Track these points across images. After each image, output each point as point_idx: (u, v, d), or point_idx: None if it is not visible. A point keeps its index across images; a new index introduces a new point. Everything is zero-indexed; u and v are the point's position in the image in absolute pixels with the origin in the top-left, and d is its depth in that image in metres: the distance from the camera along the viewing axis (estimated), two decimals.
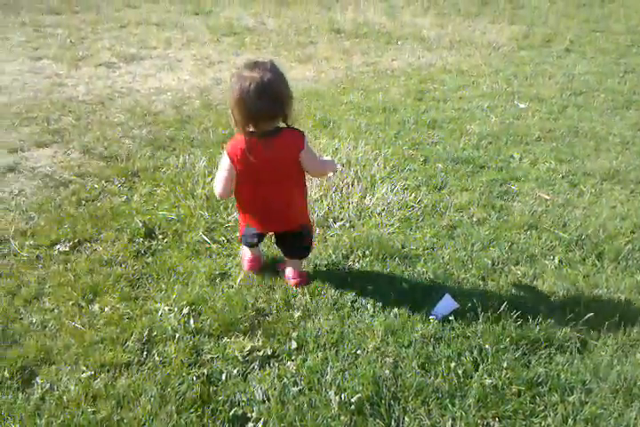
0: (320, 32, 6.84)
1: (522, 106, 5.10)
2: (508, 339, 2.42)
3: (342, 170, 3.86)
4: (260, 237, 2.84)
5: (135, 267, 2.88)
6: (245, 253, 2.93)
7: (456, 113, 4.94)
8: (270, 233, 2.93)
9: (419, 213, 3.42)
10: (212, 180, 3.60)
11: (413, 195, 3.60)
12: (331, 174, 2.98)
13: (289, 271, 2.83)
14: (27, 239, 3.06)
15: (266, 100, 2.23)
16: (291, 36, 6.66)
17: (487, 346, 2.38)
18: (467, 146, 4.30)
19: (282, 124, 2.39)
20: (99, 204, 3.43)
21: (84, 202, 3.44)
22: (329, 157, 3.49)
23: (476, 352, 2.35)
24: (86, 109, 4.71)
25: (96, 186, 3.62)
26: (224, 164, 2.44)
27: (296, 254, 2.83)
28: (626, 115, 4.94)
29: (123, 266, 2.88)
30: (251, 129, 2.35)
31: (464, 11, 7.89)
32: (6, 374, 2.23)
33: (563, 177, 3.86)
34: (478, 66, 6.08)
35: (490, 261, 2.97)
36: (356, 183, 3.73)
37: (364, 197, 3.58)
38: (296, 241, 2.76)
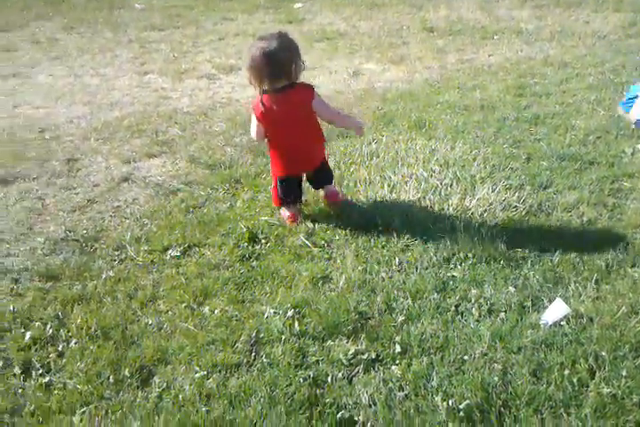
0: (412, 32, 6.79)
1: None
2: (627, 346, 2.29)
3: (440, 170, 3.80)
4: (295, 192, 3.40)
5: (241, 271, 2.97)
6: (285, 213, 3.42)
7: (560, 108, 4.73)
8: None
9: (523, 214, 3.31)
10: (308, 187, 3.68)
11: (517, 195, 3.49)
12: (355, 128, 3.39)
13: (330, 194, 3.49)
14: (141, 245, 3.25)
15: (270, 65, 2.87)
16: (383, 38, 6.65)
17: (604, 353, 2.26)
18: (573, 142, 4.11)
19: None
20: (205, 210, 3.58)
21: (192, 209, 3.60)
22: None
23: (591, 359, 2.24)
24: (190, 120, 4.93)
25: (202, 193, 3.78)
26: (252, 118, 3.15)
27: (327, 181, 3.52)
28: None
29: (230, 269, 2.99)
30: (265, 87, 2.98)
31: (564, 1, 7.56)
32: (127, 373, 2.38)
33: None
34: (582, 57, 5.80)
35: (604, 263, 2.82)
36: (455, 184, 3.67)
37: (464, 198, 3.51)
38: (323, 173, 3.47)
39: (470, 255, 2.96)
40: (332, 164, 3.85)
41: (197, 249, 3.19)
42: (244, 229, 3.28)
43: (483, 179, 3.71)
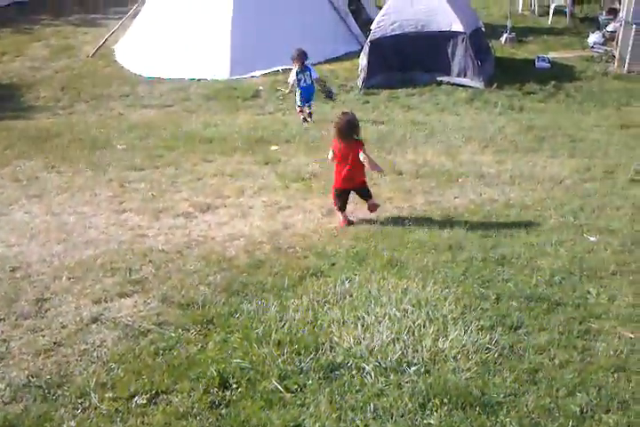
0: (382, 174, 7.18)
1: (592, 239, 5.05)
2: None
3: (413, 310, 3.84)
4: (345, 199, 5.57)
5: (209, 420, 2.86)
6: (340, 216, 5.58)
7: (524, 248, 4.92)
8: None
9: (496, 356, 3.32)
10: (284, 325, 3.68)
11: (489, 336, 3.51)
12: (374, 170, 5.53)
13: (369, 205, 5.65)
14: (106, 392, 3.13)
15: (347, 128, 5.31)
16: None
17: None
18: (540, 283, 4.23)
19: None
20: (175, 353, 3.51)
21: (161, 351, 3.53)
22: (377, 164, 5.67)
23: None
24: (165, 258, 4.99)
25: (173, 334, 3.73)
26: (330, 151, 5.58)
27: (365, 196, 5.65)
28: None
29: (198, 418, 2.88)
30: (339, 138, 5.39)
31: (522, 147, 8.15)
32: None
33: None
34: (542, 200, 6.15)
35: (578, 409, 2.80)
36: (427, 324, 3.69)
37: (438, 340, 3.52)
38: (363, 191, 5.63)
39: (446, 401, 2.91)
40: (305, 302, 3.90)
41: (165, 396, 3.08)
42: (215, 374, 3.20)
43: (455, 319, 3.75)
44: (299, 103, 9.44)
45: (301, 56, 8.96)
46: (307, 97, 9.35)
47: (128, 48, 13.35)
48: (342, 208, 5.53)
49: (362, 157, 5.30)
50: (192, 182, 7.03)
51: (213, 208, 6.21)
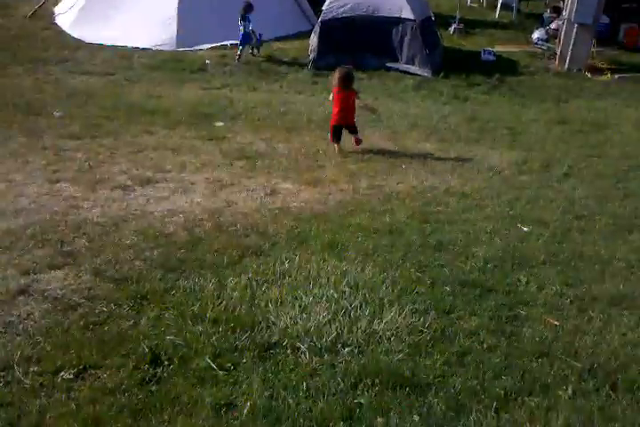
0: (328, 157, 7.18)
1: (525, 229, 5.21)
2: None
3: (350, 292, 3.88)
4: (339, 133, 7.12)
5: (139, 396, 2.81)
6: (336, 147, 7.12)
7: (461, 235, 5.04)
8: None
9: (428, 339, 3.39)
10: (220, 303, 3.65)
11: (422, 319, 3.59)
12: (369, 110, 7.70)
13: (354, 138, 7.19)
14: (31, 365, 3.02)
15: (347, 78, 7.05)
16: (299, 160, 6.98)
17: None
18: (473, 269, 4.35)
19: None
20: (106, 328, 3.42)
21: (91, 326, 3.43)
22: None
23: None
24: (100, 231, 4.84)
25: (104, 309, 3.63)
26: (331, 94, 7.31)
27: (353, 132, 7.19)
28: (628, 238, 5.03)
29: (126, 395, 2.82)
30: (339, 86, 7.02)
31: (464, 137, 8.31)
32: None
33: (571, 302, 3.86)
34: (481, 189, 6.30)
35: (502, 391, 2.90)
36: (364, 306, 3.74)
37: (373, 322, 3.56)
38: (352, 128, 7.17)
39: (377, 381, 2.96)
40: (243, 281, 3.89)
41: (93, 371, 3.00)
42: (147, 350, 3.14)
43: (390, 302, 3.81)
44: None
45: (246, 8, 11.13)
46: (242, 41, 11.32)
47: (69, 11, 12.74)
48: (337, 141, 7.15)
49: (358, 101, 7.22)
50: (131, 155, 6.82)
51: (153, 182, 6.05)
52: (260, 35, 11.51)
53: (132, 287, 3.90)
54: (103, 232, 4.83)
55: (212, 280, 4.00)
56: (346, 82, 7.06)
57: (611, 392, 2.88)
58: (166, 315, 3.57)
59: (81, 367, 3.02)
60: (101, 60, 11.22)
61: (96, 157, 6.72)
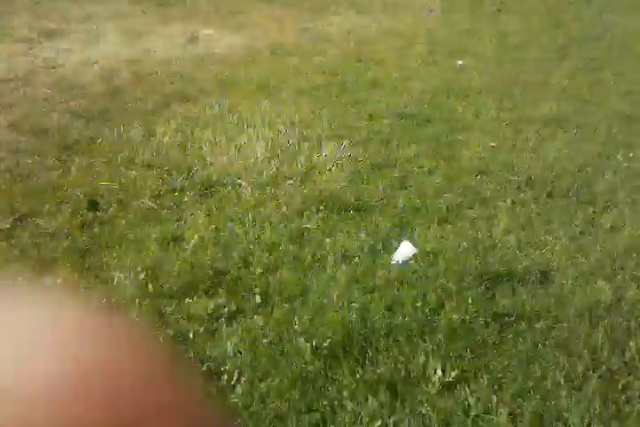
0: (249, 1, 6.69)
1: (460, 62, 5.12)
2: (470, 276, 2.42)
3: (287, 130, 3.79)
4: None
5: (83, 239, 2.73)
6: None
7: (396, 72, 4.91)
8: None
9: (369, 167, 3.39)
10: (151, 148, 3.49)
11: (362, 150, 3.56)
12: None
13: None
14: None
15: None
16: (220, 5, 6.48)
17: (450, 284, 2.37)
18: (410, 102, 4.28)
19: None
20: (35, 179, 3.23)
21: (19, 178, 3.24)
22: None
23: (440, 291, 2.34)
24: (8, 86, 4.44)
25: (29, 161, 3.41)
26: None
27: None
28: (561, 65, 5.03)
29: (69, 238, 2.73)
30: None
31: None
32: None
33: (507, 125, 3.90)
34: (413, 28, 6.07)
35: (445, 207, 2.97)
36: (302, 142, 3.66)
37: (312, 156, 3.51)
38: None
39: (322, 208, 2.96)
40: (173, 126, 3.69)
41: (30, 219, 2.87)
42: (82, 196, 3.01)
43: (328, 137, 3.74)
44: None
45: None
46: None
47: None
48: None
49: None
50: (32, 5, 6.13)
51: (60, 34, 5.52)
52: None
53: (54, 139, 3.66)
54: (13, 87, 4.43)
55: (139, 127, 3.79)
56: None
57: (547, 199, 3.00)
58: (95, 162, 3.40)
59: (16, 217, 2.88)
60: None
61: None
